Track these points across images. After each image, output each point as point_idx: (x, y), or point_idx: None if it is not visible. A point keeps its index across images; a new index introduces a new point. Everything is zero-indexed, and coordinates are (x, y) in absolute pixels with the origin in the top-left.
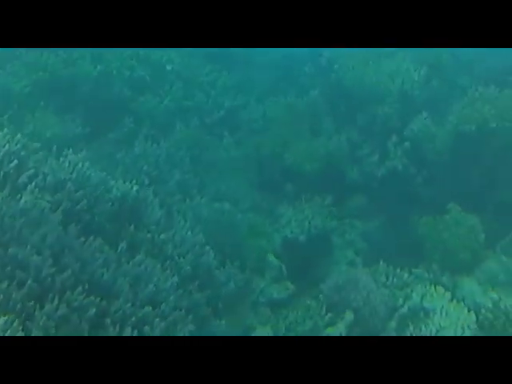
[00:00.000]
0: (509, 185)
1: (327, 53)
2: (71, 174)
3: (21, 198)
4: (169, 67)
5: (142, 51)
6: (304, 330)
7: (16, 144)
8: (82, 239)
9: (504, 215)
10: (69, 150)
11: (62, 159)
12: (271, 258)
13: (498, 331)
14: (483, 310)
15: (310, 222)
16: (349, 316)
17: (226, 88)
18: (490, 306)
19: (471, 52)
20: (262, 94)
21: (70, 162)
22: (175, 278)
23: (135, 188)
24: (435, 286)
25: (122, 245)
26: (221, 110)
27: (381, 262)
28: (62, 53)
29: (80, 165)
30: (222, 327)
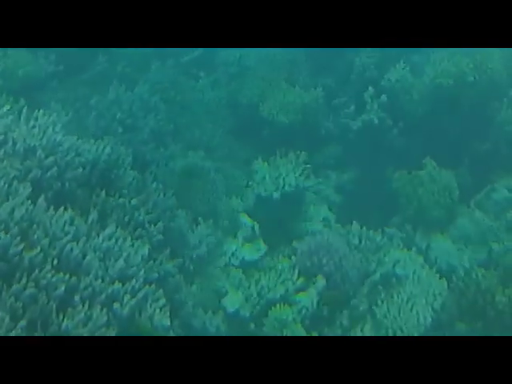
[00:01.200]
0: (485, 138)
1: None
2: (41, 139)
3: None
4: None
5: None
6: (275, 296)
7: None
8: (52, 212)
9: (479, 169)
10: (38, 111)
11: (32, 123)
12: (244, 217)
13: (468, 300)
14: (454, 278)
15: (284, 179)
16: (321, 281)
17: None
18: (462, 273)
19: None
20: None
21: (40, 127)
22: (146, 250)
23: (107, 150)
24: (408, 250)
25: (93, 215)
26: (196, 50)
27: (354, 222)
28: None
29: (51, 129)
30: (192, 294)
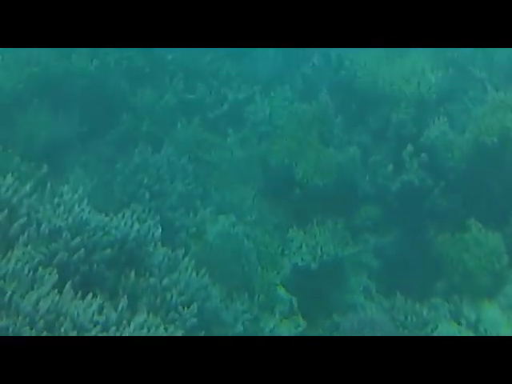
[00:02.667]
0: None
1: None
2: (67, 219)
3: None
4: (169, 57)
5: None
6: None
7: (7, 190)
8: (79, 301)
9: None
10: (64, 187)
11: (56, 200)
12: (281, 290)
13: None
14: None
15: (321, 249)
16: None
17: (229, 78)
18: None
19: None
20: (267, 86)
21: (65, 204)
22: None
23: (136, 226)
24: (456, 322)
25: (123, 302)
26: (224, 104)
27: (397, 294)
28: None
29: (76, 206)
30: None
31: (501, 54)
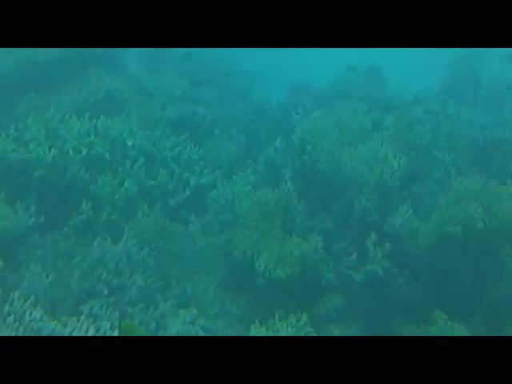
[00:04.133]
0: (498, 286)
1: (299, 130)
2: (17, 329)
3: None
4: (130, 142)
5: (100, 126)
6: None
7: None
8: None
9: (493, 320)
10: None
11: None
12: None
13: None
14: None
15: None
16: None
17: (191, 162)
18: None
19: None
20: (229, 169)
21: (15, 313)
22: None
23: (90, 333)
24: None
25: None
26: (186, 189)
27: None
28: (13, 132)
29: (28, 315)
30: None
31: (464, 138)
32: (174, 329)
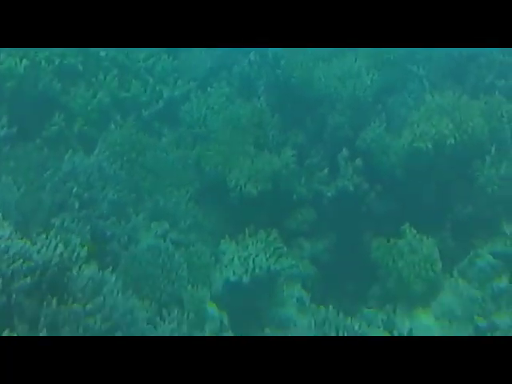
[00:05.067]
0: (467, 200)
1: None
2: None
3: None
4: (103, 53)
5: None
6: None
7: None
8: None
9: (462, 234)
10: None
11: None
12: (212, 307)
13: None
14: None
15: (254, 261)
16: None
17: (165, 74)
18: None
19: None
20: (203, 82)
21: None
22: None
23: (59, 249)
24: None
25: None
26: (160, 101)
27: (330, 308)
28: None
29: None
30: None
31: (439, 52)
32: (145, 242)
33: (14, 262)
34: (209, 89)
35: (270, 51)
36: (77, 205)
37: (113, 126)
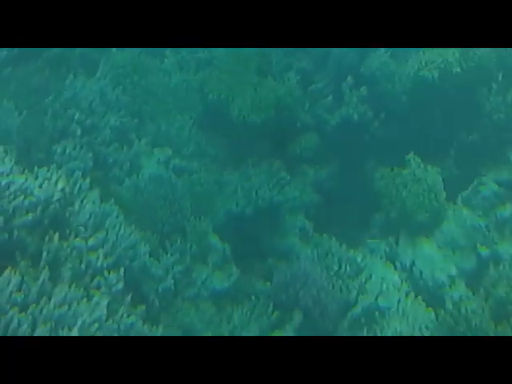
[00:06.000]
0: (472, 128)
1: None
2: None
3: None
4: None
5: None
6: (249, 333)
7: None
8: None
9: (466, 161)
10: None
11: None
12: (214, 239)
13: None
14: (443, 312)
15: (257, 192)
16: (298, 316)
17: None
18: (450, 307)
19: None
20: None
21: None
22: (103, 309)
23: (60, 184)
24: (391, 264)
25: (44, 274)
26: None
27: (333, 240)
28: None
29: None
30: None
31: None
32: (147, 171)
33: (15, 198)
34: None
35: None
36: (79, 131)
37: (114, 49)
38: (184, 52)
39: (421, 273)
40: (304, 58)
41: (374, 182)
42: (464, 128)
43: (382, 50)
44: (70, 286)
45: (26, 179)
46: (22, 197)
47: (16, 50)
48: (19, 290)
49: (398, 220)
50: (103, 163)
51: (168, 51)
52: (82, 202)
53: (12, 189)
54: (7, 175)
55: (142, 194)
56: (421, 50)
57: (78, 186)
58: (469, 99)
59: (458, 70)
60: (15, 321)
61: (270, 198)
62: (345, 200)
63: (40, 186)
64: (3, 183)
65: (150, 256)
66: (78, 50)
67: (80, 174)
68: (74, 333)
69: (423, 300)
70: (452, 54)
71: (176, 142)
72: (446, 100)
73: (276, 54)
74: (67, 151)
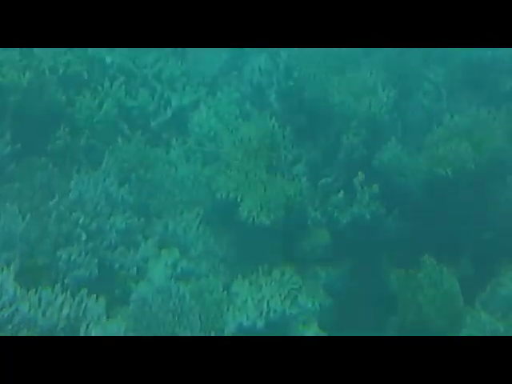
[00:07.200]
0: (487, 225)
1: (285, 54)
2: None
3: None
4: (108, 59)
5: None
6: None
7: None
8: None
9: (483, 260)
10: None
11: None
12: None
13: None
14: None
15: (268, 303)
16: None
17: (172, 79)
18: None
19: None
20: (213, 87)
21: None
22: None
23: (65, 311)
24: None
25: None
26: (168, 110)
27: None
28: None
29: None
30: None
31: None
32: (154, 278)
33: (18, 331)
34: (218, 94)
35: (282, 61)
36: (84, 236)
37: (120, 140)
38: (190, 141)
39: None
40: (313, 149)
41: (389, 283)
42: (479, 224)
43: (394, 141)
44: None
45: (30, 307)
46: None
47: (19, 144)
48: None
49: (414, 324)
50: (109, 269)
51: (174, 141)
52: (87, 326)
53: (16, 320)
54: (10, 304)
55: (150, 308)
56: (433, 145)
57: (83, 307)
58: (483, 194)
59: (472, 166)
60: None
61: (283, 311)
62: (358, 302)
63: (43, 314)
64: (5, 315)
65: None
66: (82, 141)
67: (86, 291)
68: None
69: None
70: (465, 150)
71: (183, 242)
72: (460, 195)
73: (285, 146)
74: (72, 258)
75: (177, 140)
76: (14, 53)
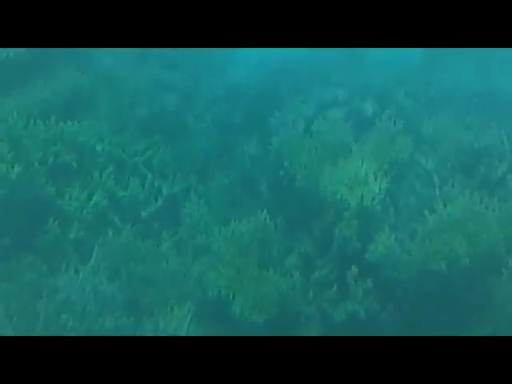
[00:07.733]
0: (484, 320)
1: (275, 140)
2: None
3: None
4: (98, 147)
5: (66, 134)
6: None
7: None
8: None
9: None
10: None
11: None
12: None
13: None
14: None
15: None
16: None
17: (163, 166)
18: None
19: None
20: (203, 171)
21: None
22: None
23: None
24: None
25: None
26: (158, 199)
27: None
28: None
29: None
30: None
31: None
32: None
33: None
34: (208, 182)
35: (273, 149)
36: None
37: (110, 233)
38: (181, 233)
39: None
40: (305, 239)
41: None
42: (476, 320)
43: (386, 231)
44: None
45: None
46: None
47: (7, 240)
48: None
49: None
50: None
51: (165, 232)
52: None
53: None
54: None
55: None
56: (426, 237)
57: None
58: (479, 289)
59: (467, 261)
60: None
61: None
62: None
63: None
64: None
65: None
66: (72, 234)
67: None
68: None
69: None
70: (459, 244)
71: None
72: (455, 289)
73: (277, 239)
74: None
75: (167, 231)
76: (2, 144)
